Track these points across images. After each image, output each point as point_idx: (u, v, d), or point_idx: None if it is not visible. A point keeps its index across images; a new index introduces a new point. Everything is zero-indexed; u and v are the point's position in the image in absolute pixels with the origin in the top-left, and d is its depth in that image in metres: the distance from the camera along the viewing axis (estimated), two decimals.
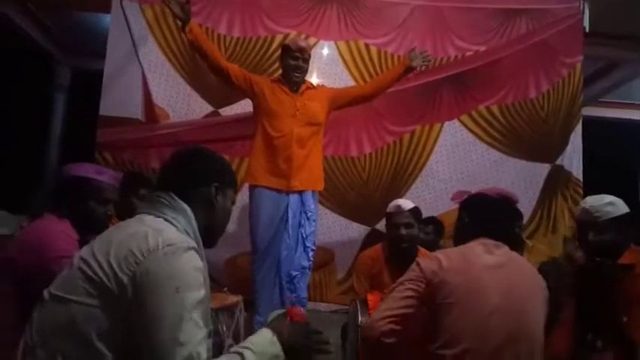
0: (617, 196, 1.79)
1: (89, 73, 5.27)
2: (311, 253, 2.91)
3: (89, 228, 1.67)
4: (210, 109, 3.80)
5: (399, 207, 2.45)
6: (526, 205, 3.74)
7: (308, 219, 2.89)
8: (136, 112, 3.69)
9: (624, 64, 5.57)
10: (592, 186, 3.09)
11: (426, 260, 1.42)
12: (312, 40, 3.76)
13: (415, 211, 2.48)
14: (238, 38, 3.84)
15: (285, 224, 2.84)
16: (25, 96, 5.86)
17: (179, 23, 2.84)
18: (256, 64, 3.81)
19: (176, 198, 1.17)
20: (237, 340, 2.28)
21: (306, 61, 2.94)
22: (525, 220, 3.64)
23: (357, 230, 3.85)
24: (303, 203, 2.88)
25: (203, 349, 0.99)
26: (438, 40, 3.98)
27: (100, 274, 1.01)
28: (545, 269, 1.91)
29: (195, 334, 0.98)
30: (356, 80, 3.86)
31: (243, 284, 3.01)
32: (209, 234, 1.24)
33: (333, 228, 3.83)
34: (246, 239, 2.97)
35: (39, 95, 6.26)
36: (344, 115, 3.52)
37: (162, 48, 3.73)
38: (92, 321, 0.99)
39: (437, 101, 3.95)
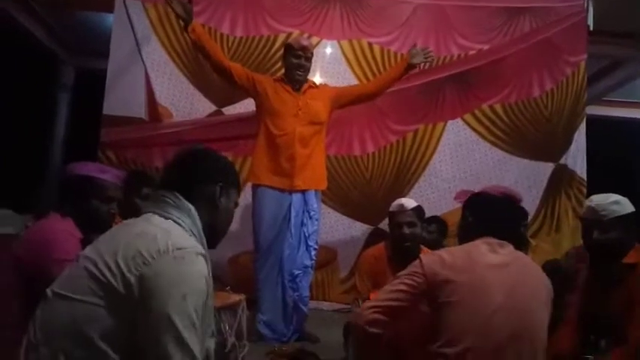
0: (621, 195, 1.78)
1: (93, 72, 5.29)
2: (313, 252, 2.92)
3: (93, 227, 1.67)
4: (213, 108, 3.81)
5: (401, 206, 2.45)
6: (530, 204, 3.72)
7: (311, 218, 2.89)
8: (140, 111, 3.71)
9: (628, 62, 5.56)
10: (596, 185, 3.07)
11: (429, 256, 1.41)
12: (314, 39, 3.77)
13: (418, 210, 2.48)
14: (241, 37, 3.85)
15: (287, 223, 2.85)
16: (29, 95, 5.89)
17: (182, 23, 2.84)
18: (259, 63, 3.81)
19: (181, 197, 1.17)
20: (239, 338, 2.28)
21: (309, 59, 2.94)
22: (529, 219, 3.63)
23: (359, 229, 3.85)
24: (305, 202, 2.88)
25: (201, 356, 1.01)
26: (441, 38, 3.97)
27: (107, 274, 1.01)
28: (549, 268, 1.91)
29: (196, 343, 0.99)
30: (359, 79, 3.86)
31: (245, 283, 3.02)
32: (212, 234, 1.24)
33: (335, 227, 3.83)
34: (249, 238, 2.98)
35: (43, 95, 6.29)
36: (347, 114, 3.52)
37: (166, 47, 3.75)
38: (96, 320, 0.99)
39: (440, 100, 3.95)
